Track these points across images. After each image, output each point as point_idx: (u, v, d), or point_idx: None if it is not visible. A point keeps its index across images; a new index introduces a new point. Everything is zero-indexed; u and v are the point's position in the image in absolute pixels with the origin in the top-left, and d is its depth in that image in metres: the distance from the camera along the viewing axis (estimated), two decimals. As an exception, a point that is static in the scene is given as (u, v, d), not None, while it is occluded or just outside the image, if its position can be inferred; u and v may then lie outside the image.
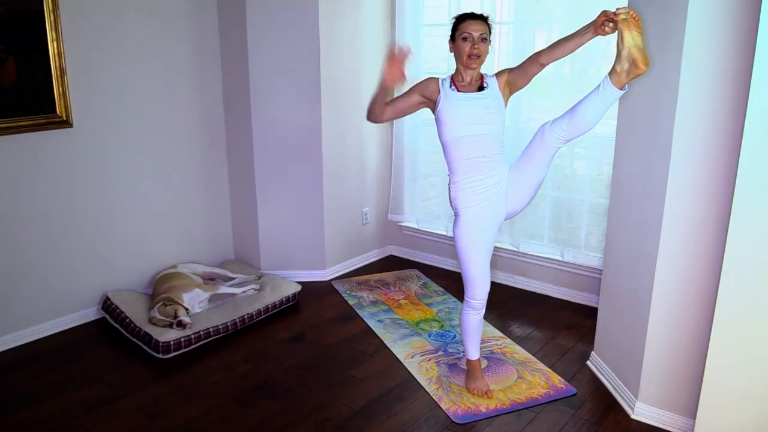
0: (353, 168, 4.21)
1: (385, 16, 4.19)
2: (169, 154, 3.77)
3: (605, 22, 2.26)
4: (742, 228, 2.03)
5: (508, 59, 3.83)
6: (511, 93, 2.64)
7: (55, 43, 3.14)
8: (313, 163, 3.95)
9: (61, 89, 3.20)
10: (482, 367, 2.97)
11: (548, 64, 2.51)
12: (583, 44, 2.39)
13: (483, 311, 2.76)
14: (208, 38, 3.83)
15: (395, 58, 2.46)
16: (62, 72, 3.19)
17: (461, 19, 2.55)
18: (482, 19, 2.54)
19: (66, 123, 3.26)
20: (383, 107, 2.60)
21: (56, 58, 3.16)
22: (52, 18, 3.10)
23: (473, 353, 2.84)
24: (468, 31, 2.50)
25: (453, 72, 2.64)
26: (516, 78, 2.59)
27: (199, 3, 3.75)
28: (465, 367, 2.97)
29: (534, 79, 3.32)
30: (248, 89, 3.82)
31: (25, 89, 3.10)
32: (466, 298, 2.74)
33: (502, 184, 2.59)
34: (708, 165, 2.27)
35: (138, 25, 3.48)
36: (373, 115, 2.63)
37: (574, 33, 2.39)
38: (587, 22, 2.35)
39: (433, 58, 4.19)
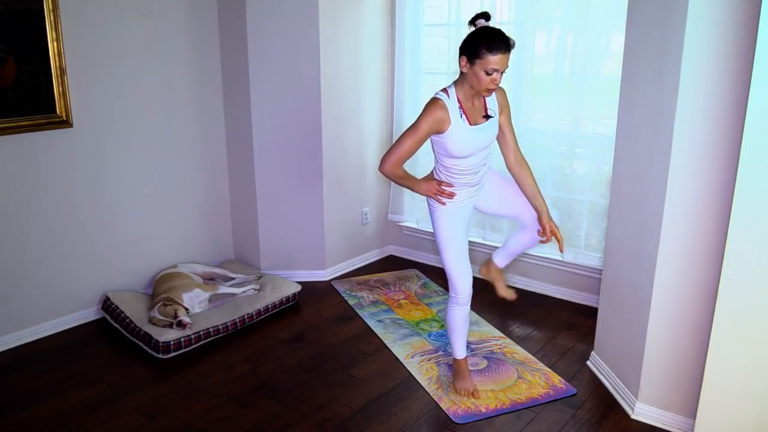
0: (353, 168, 4.21)
1: (385, 16, 4.19)
2: (170, 154, 3.77)
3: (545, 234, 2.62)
4: (742, 228, 2.03)
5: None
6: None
7: (55, 43, 3.14)
8: (313, 163, 3.95)
9: (61, 89, 3.20)
10: (482, 367, 2.98)
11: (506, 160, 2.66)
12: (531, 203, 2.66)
13: (468, 307, 2.75)
14: (208, 38, 3.83)
15: (440, 191, 2.57)
16: (62, 72, 3.19)
17: (489, 47, 2.29)
18: (509, 49, 2.32)
19: (66, 123, 3.26)
20: (401, 168, 2.56)
21: (56, 58, 3.16)
22: (52, 18, 3.10)
23: (460, 352, 2.83)
24: (494, 68, 2.31)
25: (455, 82, 2.48)
26: (501, 119, 2.59)
27: (199, 3, 3.75)
28: (465, 367, 2.99)
29: (534, 79, 3.38)
30: (248, 89, 3.82)
31: (25, 89, 3.10)
32: (450, 294, 2.74)
33: (481, 184, 2.66)
34: (708, 165, 2.27)
35: (138, 25, 3.48)
36: (391, 174, 2.56)
37: (535, 194, 2.63)
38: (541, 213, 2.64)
39: (433, 58, 4.19)
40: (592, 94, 3.52)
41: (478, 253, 4.13)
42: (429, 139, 2.54)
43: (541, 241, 2.68)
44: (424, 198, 2.71)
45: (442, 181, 2.59)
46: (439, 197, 2.59)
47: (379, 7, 4.14)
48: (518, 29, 3.71)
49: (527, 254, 3.93)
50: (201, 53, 3.81)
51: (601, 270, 3.35)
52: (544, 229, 2.62)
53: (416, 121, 2.45)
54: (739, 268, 2.05)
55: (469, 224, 2.75)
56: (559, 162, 3.76)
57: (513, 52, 2.37)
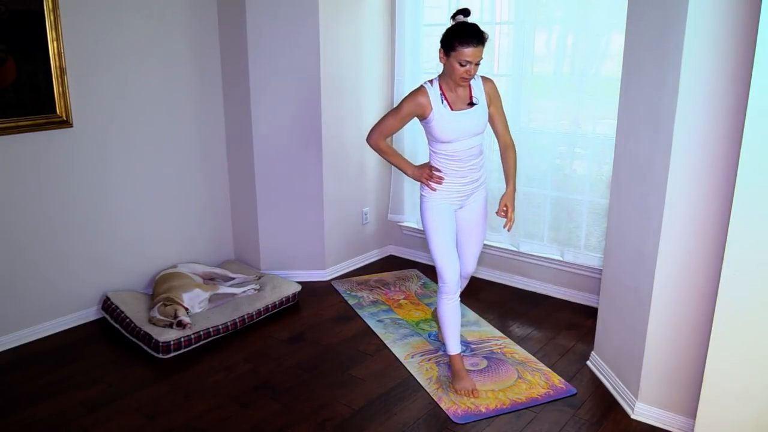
0: (353, 168, 4.21)
1: (385, 16, 4.19)
2: (169, 154, 3.77)
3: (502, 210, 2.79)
4: (742, 228, 2.03)
5: (507, 59, 3.83)
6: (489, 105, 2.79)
7: (55, 43, 3.14)
8: (313, 163, 3.95)
9: (61, 89, 3.20)
10: (482, 367, 2.98)
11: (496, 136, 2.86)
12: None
13: (457, 296, 2.84)
14: (208, 38, 3.83)
15: (429, 177, 2.75)
16: (62, 72, 3.19)
17: (461, 41, 2.50)
18: (481, 42, 2.52)
19: (66, 123, 3.26)
20: (383, 142, 2.84)
21: (56, 58, 3.16)
22: (52, 18, 3.10)
23: (453, 347, 2.87)
24: (466, 60, 2.51)
25: (440, 74, 2.69)
26: (491, 110, 2.77)
27: (199, 3, 3.75)
28: (465, 366, 2.98)
29: (535, 79, 3.49)
30: (248, 89, 3.82)
31: (25, 89, 3.10)
32: (439, 284, 2.84)
33: (471, 183, 2.79)
34: (708, 165, 2.27)
35: (138, 25, 3.48)
36: (375, 145, 2.85)
37: (510, 173, 2.83)
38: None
39: (433, 57, 4.17)
40: (592, 94, 3.52)
41: (478, 253, 4.13)
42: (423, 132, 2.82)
43: (497, 213, 2.82)
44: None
45: (433, 167, 2.77)
46: (429, 182, 2.76)
47: (379, 7, 4.14)
48: (518, 29, 3.71)
49: (527, 254, 3.94)
50: (201, 53, 3.81)
51: (601, 270, 3.35)
52: (499, 204, 2.81)
53: (399, 103, 2.77)
54: (739, 267, 2.06)
55: (455, 223, 2.87)
56: (559, 162, 3.76)
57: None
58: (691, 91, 2.25)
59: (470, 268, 3.04)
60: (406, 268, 4.37)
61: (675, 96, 2.28)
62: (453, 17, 2.63)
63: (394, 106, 4.30)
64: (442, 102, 2.65)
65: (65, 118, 3.25)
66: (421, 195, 2.84)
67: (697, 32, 2.20)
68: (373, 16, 4.11)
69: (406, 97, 2.74)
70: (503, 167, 2.87)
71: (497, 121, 2.81)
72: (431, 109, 2.65)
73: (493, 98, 2.76)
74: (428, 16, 4.16)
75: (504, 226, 2.83)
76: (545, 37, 3.73)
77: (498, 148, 2.90)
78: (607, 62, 3.46)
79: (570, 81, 3.60)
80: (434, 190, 2.76)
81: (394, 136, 4.33)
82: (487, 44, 2.57)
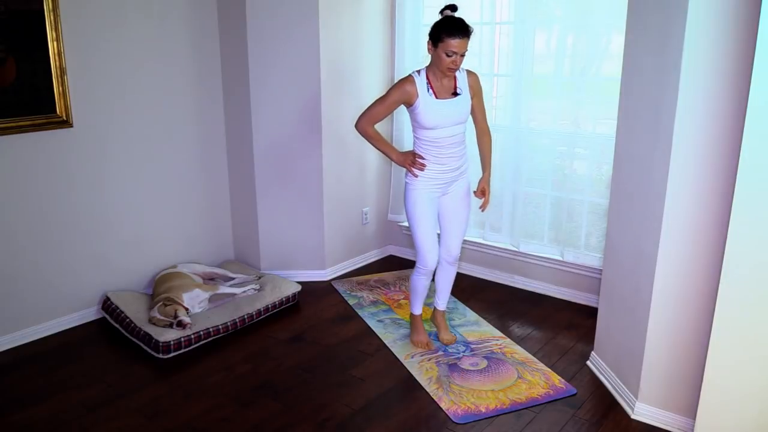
0: (353, 168, 4.21)
1: (385, 16, 4.19)
2: (169, 154, 3.77)
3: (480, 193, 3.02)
4: (742, 228, 2.03)
5: (508, 59, 3.83)
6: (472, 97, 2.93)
7: (55, 43, 3.14)
8: (313, 163, 3.95)
9: (61, 89, 3.20)
10: (482, 367, 2.98)
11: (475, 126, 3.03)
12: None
13: (431, 276, 3.12)
14: (208, 38, 3.83)
15: (412, 163, 2.90)
16: (62, 72, 3.19)
17: (448, 32, 2.67)
18: (467, 35, 2.69)
19: (66, 123, 3.26)
20: (371, 128, 2.96)
21: (56, 58, 3.16)
22: (52, 18, 3.10)
23: (418, 309, 3.22)
24: (453, 50, 2.69)
25: (428, 65, 2.84)
26: (474, 102, 2.92)
27: (199, 3, 3.75)
28: (465, 366, 3.01)
29: (535, 78, 3.57)
30: (248, 89, 3.82)
31: (25, 89, 3.10)
32: (417, 265, 3.07)
33: (452, 171, 2.92)
34: (708, 165, 2.27)
35: (138, 25, 3.48)
36: (363, 131, 2.96)
37: (487, 159, 3.03)
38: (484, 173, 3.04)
39: (433, 58, 4.19)
40: (592, 94, 3.52)
41: (477, 253, 4.14)
42: (409, 120, 2.96)
43: (475, 193, 3.04)
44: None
45: (416, 154, 2.91)
46: (411, 168, 2.91)
47: (379, 7, 4.14)
48: (518, 29, 3.71)
49: (527, 254, 3.94)
50: (201, 53, 3.81)
51: (601, 270, 3.35)
52: (478, 186, 3.04)
53: (387, 90, 2.92)
54: (739, 267, 2.05)
55: (437, 206, 3.02)
56: (559, 162, 3.76)
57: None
58: (691, 91, 2.25)
59: (454, 251, 3.14)
60: (406, 268, 4.37)
61: (675, 96, 2.28)
62: (441, 12, 2.78)
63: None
64: (428, 90, 2.81)
65: (65, 118, 3.25)
66: (406, 182, 2.98)
67: (697, 32, 2.20)
68: (373, 15, 4.11)
69: (393, 85, 2.90)
70: (480, 153, 3.05)
71: (477, 112, 2.99)
72: (417, 96, 2.80)
73: (476, 91, 2.93)
74: (428, 16, 4.15)
75: (480, 207, 3.07)
76: (545, 36, 3.73)
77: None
78: (607, 62, 3.46)
79: (570, 81, 3.60)
80: (416, 176, 2.91)
81: (395, 133, 4.35)
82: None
